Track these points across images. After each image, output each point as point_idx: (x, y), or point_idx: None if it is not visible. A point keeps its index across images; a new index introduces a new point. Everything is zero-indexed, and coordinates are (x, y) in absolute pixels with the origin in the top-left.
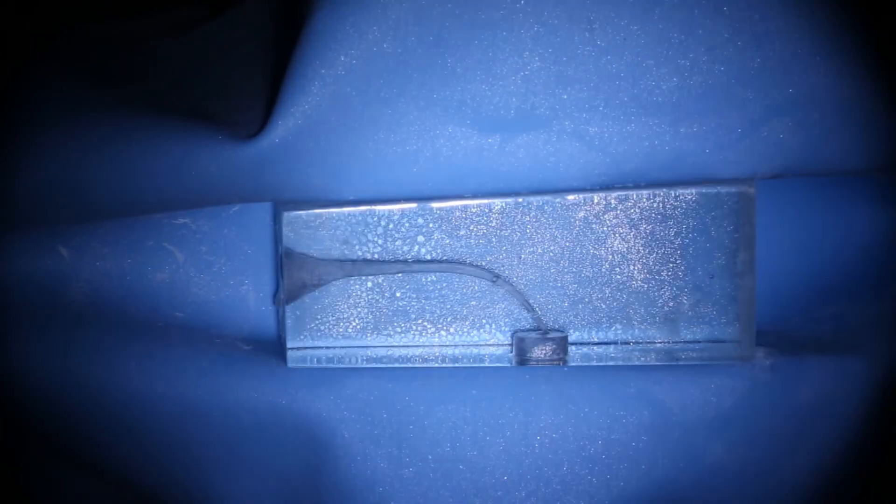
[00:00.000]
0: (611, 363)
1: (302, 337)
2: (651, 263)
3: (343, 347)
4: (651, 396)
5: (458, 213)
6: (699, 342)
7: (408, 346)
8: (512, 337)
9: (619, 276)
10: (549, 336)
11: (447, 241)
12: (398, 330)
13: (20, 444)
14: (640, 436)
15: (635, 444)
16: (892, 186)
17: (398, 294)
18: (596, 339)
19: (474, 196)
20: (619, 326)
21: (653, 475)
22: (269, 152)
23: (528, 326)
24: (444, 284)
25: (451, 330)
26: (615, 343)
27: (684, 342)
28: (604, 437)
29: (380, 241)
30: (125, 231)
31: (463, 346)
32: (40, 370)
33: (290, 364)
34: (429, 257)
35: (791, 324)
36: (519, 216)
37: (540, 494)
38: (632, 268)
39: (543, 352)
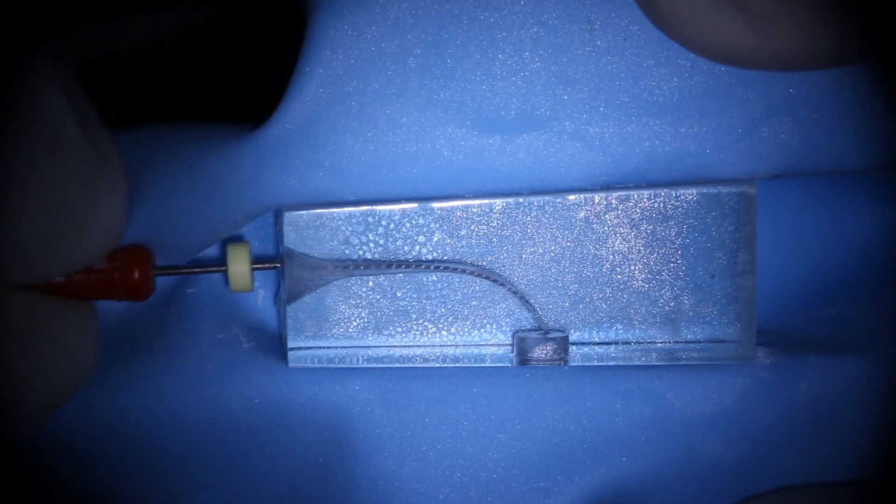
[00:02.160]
0: (611, 363)
1: (303, 337)
2: (652, 263)
3: (344, 347)
4: (652, 392)
5: (458, 213)
6: (700, 342)
7: (409, 346)
8: (513, 337)
9: (619, 276)
10: (549, 336)
11: (448, 241)
12: (399, 330)
13: (25, 461)
14: (641, 431)
15: (636, 439)
16: (893, 186)
17: (399, 294)
18: (597, 339)
19: (475, 196)
20: (619, 326)
21: (653, 469)
22: (269, 152)
23: (529, 326)
24: (445, 284)
25: (452, 330)
26: (616, 343)
27: (685, 342)
28: (605, 431)
29: (381, 241)
30: None
31: (464, 345)
32: None
33: (292, 364)
34: (430, 257)
35: (791, 323)
36: (520, 216)
37: (541, 488)
38: (633, 268)
39: (544, 352)
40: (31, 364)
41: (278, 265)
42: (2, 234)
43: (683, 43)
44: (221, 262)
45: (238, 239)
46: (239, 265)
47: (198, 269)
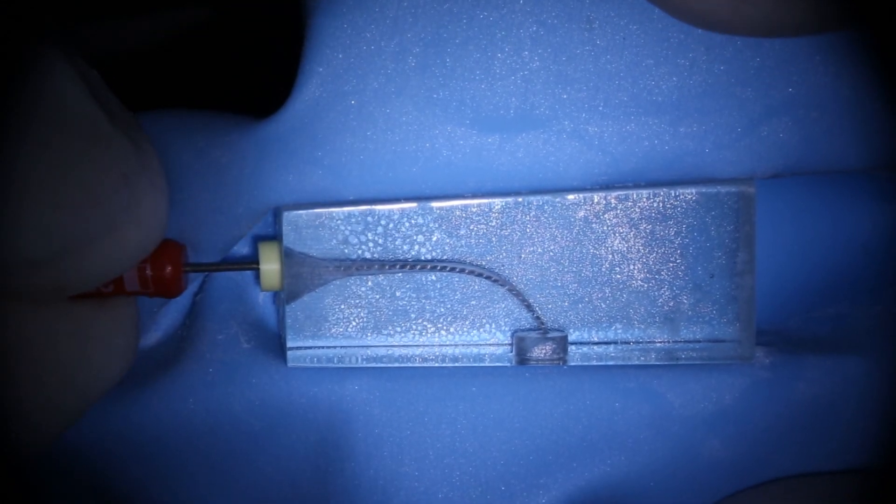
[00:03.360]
0: (611, 363)
1: (302, 336)
2: (651, 263)
3: (343, 347)
4: (652, 391)
5: (458, 213)
6: (699, 342)
7: (408, 346)
8: (512, 336)
9: (619, 276)
10: (548, 336)
11: (447, 241)
12: (398, 329)
13: (34, 470)
14: (640, 430)
15: (635, 438)
16: (893, 185)
17: (398, 293)
18: (596, 339)
19: (474, 196)
20: (619, 326)
21: (652, 468)
22: (269, 149)
23: (528, 326)
24: (445, 284)
25: (451, 329)
26: (615, 343)
27: (684, 342)
28: (604, 430)
29: (380, 241)
30: None
31: (463, 345)
32: None
33: (290, 363)
34: (429, 257)
35: (791, 323)
36: (519, 216)
37: (541, 485)
38: (632, 267)
39: (543, 351)
40: (71, 368)
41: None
42: (36, 233)
43: (663, 6)
44: (250, 259)
45: (270, 238)
46: (271, 264)
47: (229, 267)
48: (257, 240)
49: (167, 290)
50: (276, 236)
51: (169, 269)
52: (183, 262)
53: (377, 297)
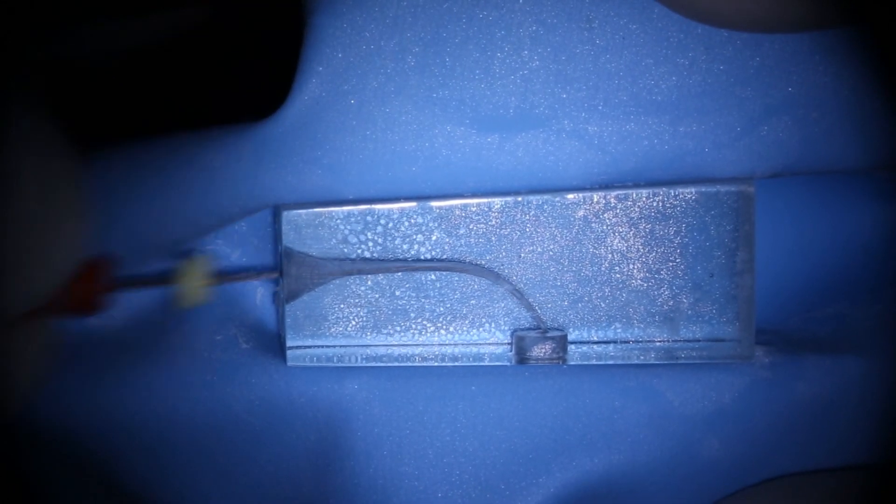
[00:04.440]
0: (610, 362)
1: (301, 336)
2: (651, 262)
3: (343, 346)
4: (651, 390)
5: (457, 212)
6: (699, 341)
7: (407, 345)
8: (511, 336)
9: (618, 275)
10: (548, 335)
11: (447, 240)
12: (398, 329)
13: (34, 466)
14: (639, 428)
15: (635, 437)
16: (892, 185)
17: (398, 293)
18: (595, 338)
19: (474, 195)
20: (618, 325)
21: (651, 467)
22: (268, 149)
23: (527, 325)
24: (444, 283)
25: (451, 329)
26: (615, 342)
27: (684, 341)
28: (604, 429)
29: (379, 240)
30: None
31: (462, 344)
32: (52, 395)
33: (290, 363)
34: (428, 256)
35: (790, 322)
36: (518, 215)
37: (540, 484)
38: (631, 267)
39: (543, 350)
40: None
41: (279, 274)
42: None
43: (663, 1)
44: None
45: (194, 253)
46: (191, 281)
47: (152, 283)
48: (183, 255)
49: (82, 313)
50: (204, 252)
51: (86, 291)
52: (102, 283)
53: (377, 296)
